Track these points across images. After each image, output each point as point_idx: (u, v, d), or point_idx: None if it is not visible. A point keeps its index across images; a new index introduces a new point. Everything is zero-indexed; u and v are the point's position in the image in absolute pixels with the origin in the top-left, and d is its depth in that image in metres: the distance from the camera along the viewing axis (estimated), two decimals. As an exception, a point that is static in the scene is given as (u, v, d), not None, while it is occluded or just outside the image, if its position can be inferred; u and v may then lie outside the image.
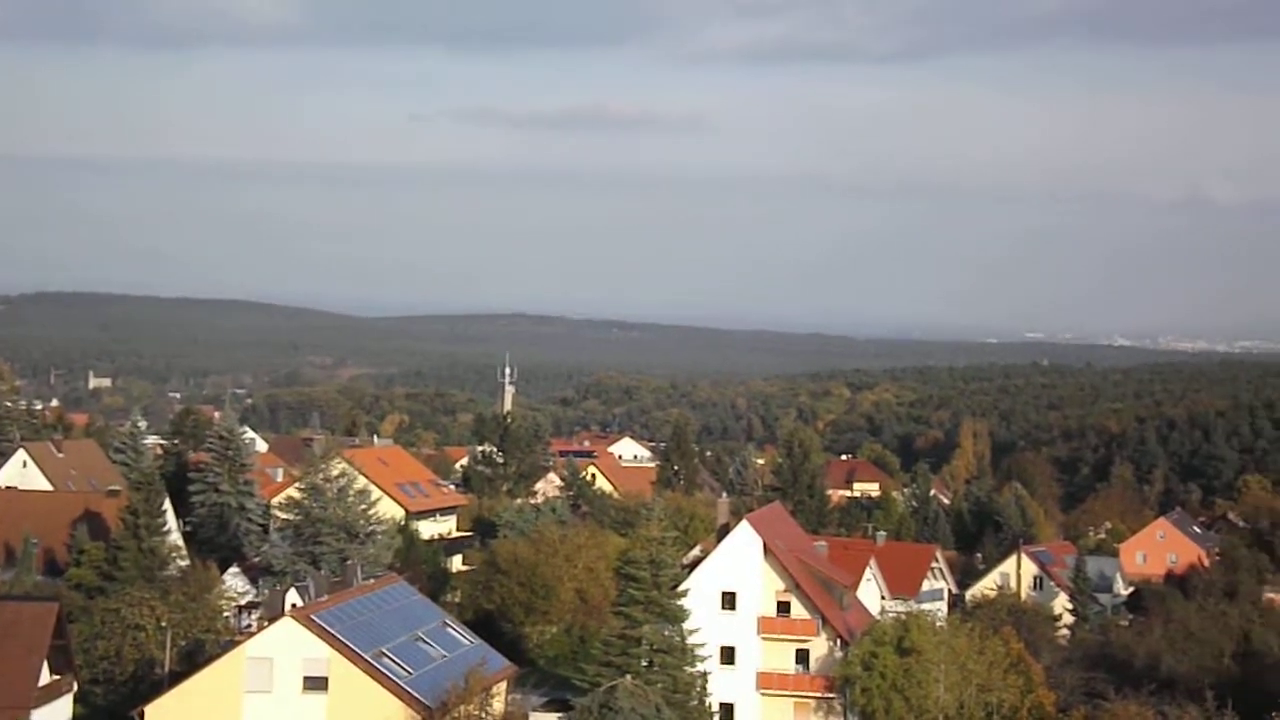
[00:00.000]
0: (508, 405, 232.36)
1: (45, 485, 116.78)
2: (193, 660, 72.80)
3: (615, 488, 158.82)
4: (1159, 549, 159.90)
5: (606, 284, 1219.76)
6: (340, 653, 62.12)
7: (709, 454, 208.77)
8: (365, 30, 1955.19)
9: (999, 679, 76.38)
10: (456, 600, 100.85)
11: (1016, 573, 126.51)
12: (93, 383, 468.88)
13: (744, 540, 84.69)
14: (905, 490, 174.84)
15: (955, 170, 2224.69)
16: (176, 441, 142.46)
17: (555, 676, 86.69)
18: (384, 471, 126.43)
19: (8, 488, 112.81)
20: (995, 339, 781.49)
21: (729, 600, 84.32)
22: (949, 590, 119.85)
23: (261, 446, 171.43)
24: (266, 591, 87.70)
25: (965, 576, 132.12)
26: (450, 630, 72.11)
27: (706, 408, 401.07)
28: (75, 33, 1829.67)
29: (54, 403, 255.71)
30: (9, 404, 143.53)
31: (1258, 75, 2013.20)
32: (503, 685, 69.74)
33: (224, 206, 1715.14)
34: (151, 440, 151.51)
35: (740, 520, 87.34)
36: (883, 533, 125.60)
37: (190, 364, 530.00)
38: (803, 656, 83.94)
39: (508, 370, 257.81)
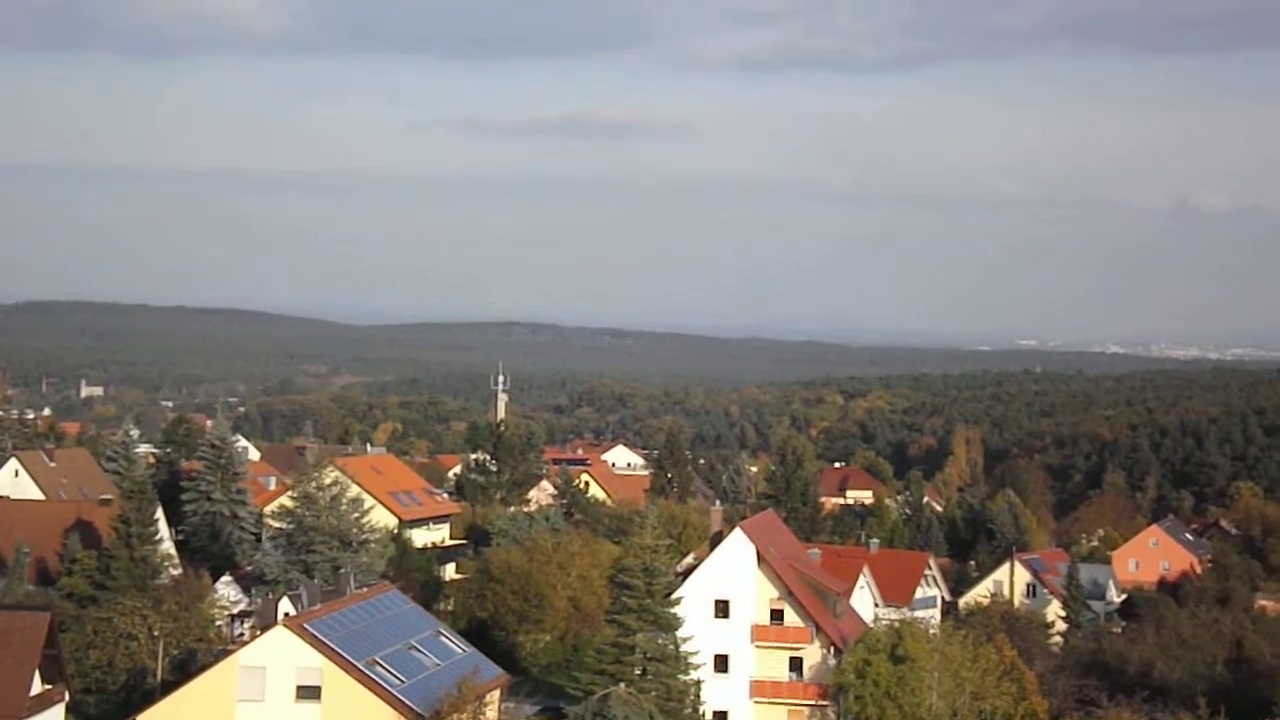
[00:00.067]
0: (501, 413, 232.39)
1: (37, 494, 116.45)
2: (185, 669, 72.69)
3: (609, 496, 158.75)
4: (1152, 556, 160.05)
5: (600, 292, 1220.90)
6: (333, 661, 62.05)
7: (702, 462, 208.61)
8: (361, 39, 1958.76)
9: (992, 686, 76.42)
10: (450, 609, 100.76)
11: (1009, 580, 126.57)
12: (85, 391, 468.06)
13: (737, 548, 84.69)
14: (898, 498, 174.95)
15: (948, 178, 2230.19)
16: (169, 450, 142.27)
17: (548, 685, 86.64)
18: (377, 480, 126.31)
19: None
20: (988, 346, 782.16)
21: (722, 608, 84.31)
22: (942, 598, 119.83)
23: (254, 455, 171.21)
24: (259, 600, 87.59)
25: (958, 584, 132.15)
26: (443, 639, 72.03)
27: (700, 415, 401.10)
28: (70, 40, 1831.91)
29: (46, 411, 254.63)
30: (1, 413, 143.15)
31: (1250, 83, 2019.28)
32: (496, 694, 69.67)
33: (217, 215, 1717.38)
34: (144, 449, 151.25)
35: (733, 528, 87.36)
36: (876, 540, 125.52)
37: (182, 372, 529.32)
38: (796, 664, 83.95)
39: (501, 378, 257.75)
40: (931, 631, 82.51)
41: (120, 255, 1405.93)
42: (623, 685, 67.08)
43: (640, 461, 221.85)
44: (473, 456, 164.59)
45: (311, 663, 61.92)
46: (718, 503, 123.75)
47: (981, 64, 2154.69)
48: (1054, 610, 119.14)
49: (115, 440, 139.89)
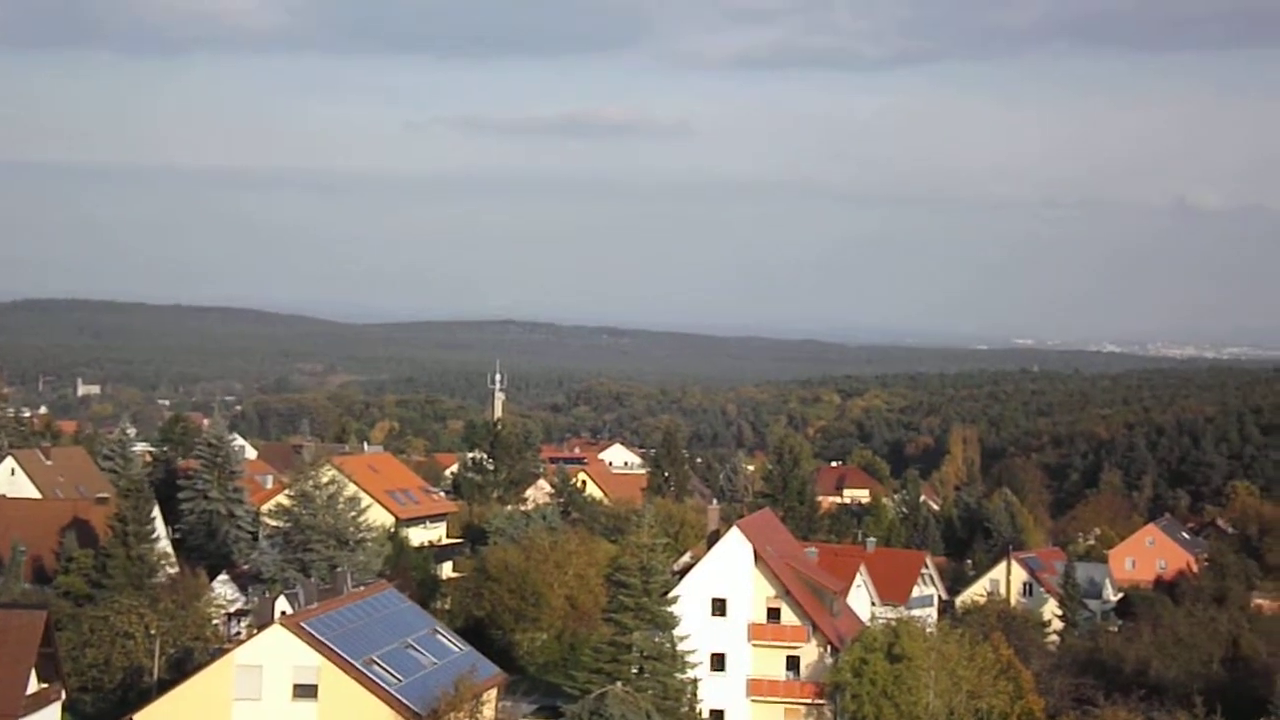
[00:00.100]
0: (498, 412, 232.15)
1: (33, 493, 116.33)
2: (182, 668, 72.63)
3: (606, 494, 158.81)
4: (1148, 555, 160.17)
5: (597, 290, 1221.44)
6: (330, 660, 62.02)
7: (699, 460, 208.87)
8: (360, 38, 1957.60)
9: (989, 685, 76.44)
10: (446, 607, 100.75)
11: (1006, 579, 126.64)
12: (81, 390, 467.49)
13: (734, 547, 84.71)
14: (895, 496, 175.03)
15: (946, 177, 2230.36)
16: (165, 448, 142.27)
17: (545, 683, 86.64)
18: (374, 478, 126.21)
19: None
20: (985, 345, 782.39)
21: (719, 607, 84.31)
22: (939, 596, 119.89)
23: (251, 453, 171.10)
24: (256, 599, 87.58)
25: (955, 583, 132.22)
26: (440, 637, 72.01)
27: (697, 414, 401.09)
28: (69, 38, 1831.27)
29: (42, 410, 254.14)
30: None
31: (1249, 82, 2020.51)
32: (493, 692, 69.65)
33: (215, 213, 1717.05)
34: (140, 447, 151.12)
35: (730, 527, 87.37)
36: (873, 539, 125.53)
37: (179, 371, 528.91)
38: (793, 663, 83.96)
39: (498, 377, 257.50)
40: (928, 630, 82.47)
41: (117, 253, 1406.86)
42: (620, 684, 67.09)
43: (637, 460, 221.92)
44: (470, 455, 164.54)
45: (308, 661, 61.89)
46: (715, 501, 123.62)
47: (980, 63, 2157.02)
48: (1050, 609, 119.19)
49: (112, 439, 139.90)
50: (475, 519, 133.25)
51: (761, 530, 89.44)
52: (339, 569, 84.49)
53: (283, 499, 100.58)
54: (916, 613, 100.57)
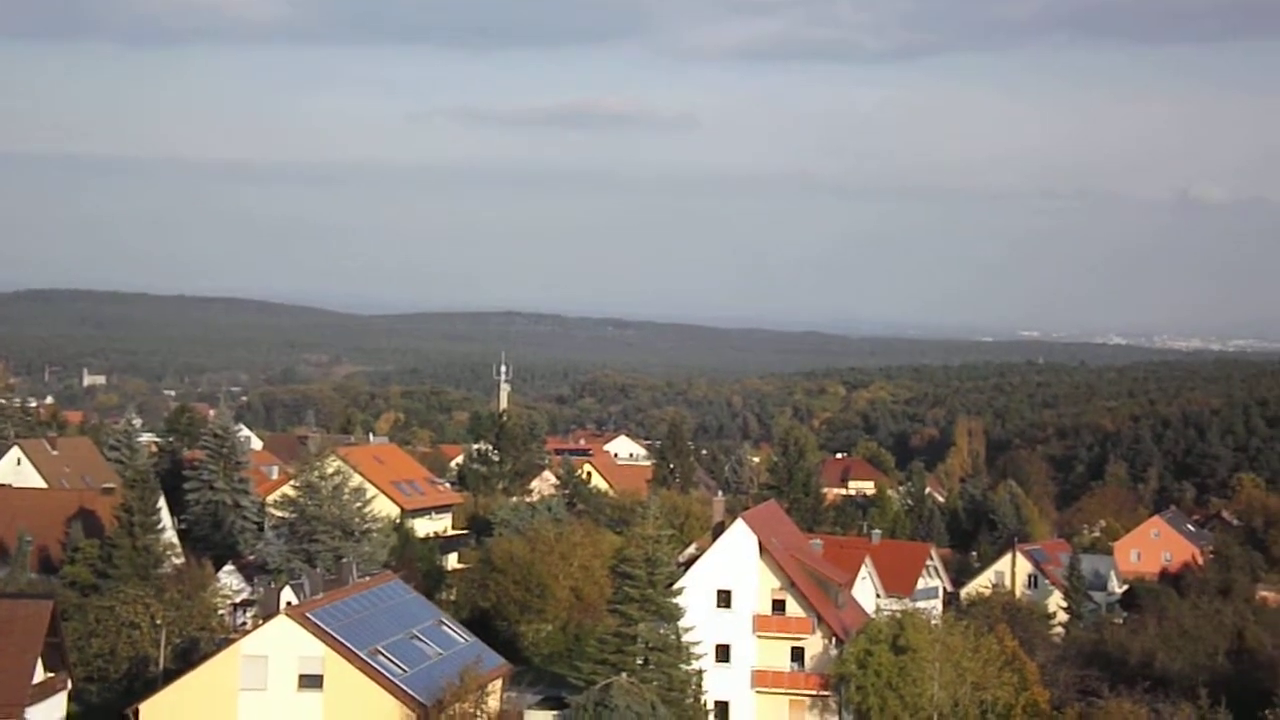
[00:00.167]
0: (503, 403, 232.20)
1: (39, 483, 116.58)
2: (187, 658, 72.74)
3: (611, 486, 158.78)
4: (1153, 547, 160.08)
5: (602, 282, 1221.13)
6: (335, 650, 62.10)
7: (704, 452, 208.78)
8: (360, 29, 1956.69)
9: (993, 677, 76.41)
10: (452, 598, 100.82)
11: (1011, 571, 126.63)
12: (87, 380, 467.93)
13: (739, 538, 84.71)
14: (900, 488, 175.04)
15: (950, 169, 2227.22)
16: (171, 439, 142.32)
17: (550, 674, 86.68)
18: (379, 469, 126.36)
19: (2, 485, 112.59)
20: (990, 337, 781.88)
21: (724, 598, 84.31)
22: (944, 588, 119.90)
23: (257, 444, 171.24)
24: (261, 589, 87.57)
25: (960, 574, 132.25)
26: (445, 628, 72.10)
27: (702, 406, 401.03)
28: (69, 30, 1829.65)
29: (48, 400, 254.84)
30: (3, 401, 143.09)
31: (1252, 74, 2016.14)
32: (498, 683, 69.74)
33: (220, 204, 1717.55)
34: (146, 438, 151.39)
35: (736, 519, 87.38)
36: (878, 531, 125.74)
37: (185, 361, 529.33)
38: (798, 654, 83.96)
39: (503, 368, 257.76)
40: (933, 622, 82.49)
41: (121, 244, 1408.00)
42: (625, 675, 67.13)
43: (642, 452, 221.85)
44: (475, 446, 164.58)
45: (314, 652, 61.98)
46: (720, 493, 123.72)
47: (981, 55, 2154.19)
48: (1055, 601, 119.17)
49: (118, 429, 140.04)
50: (480, 510, 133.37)
51: (766, 522, 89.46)
52: (344, 560, 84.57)
53: (288, 490, 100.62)
54: (921, 604, 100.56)
